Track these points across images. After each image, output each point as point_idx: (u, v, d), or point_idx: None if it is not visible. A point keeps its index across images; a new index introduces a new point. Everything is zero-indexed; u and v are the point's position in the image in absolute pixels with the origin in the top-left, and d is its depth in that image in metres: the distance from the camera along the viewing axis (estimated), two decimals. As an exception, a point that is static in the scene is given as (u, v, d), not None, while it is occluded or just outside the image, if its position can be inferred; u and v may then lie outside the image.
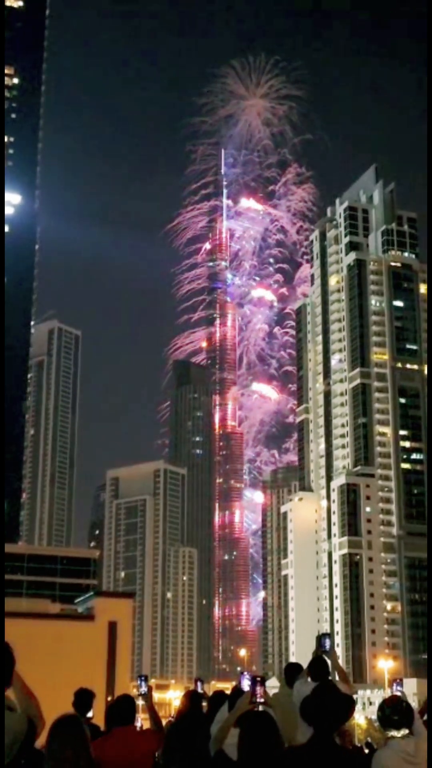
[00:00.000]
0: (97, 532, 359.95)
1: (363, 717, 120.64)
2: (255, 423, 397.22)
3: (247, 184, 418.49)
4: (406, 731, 7.05)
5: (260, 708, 7.03)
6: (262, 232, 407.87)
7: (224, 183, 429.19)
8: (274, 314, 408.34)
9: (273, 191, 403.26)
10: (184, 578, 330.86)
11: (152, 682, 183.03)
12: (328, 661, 9.26)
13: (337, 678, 9.38)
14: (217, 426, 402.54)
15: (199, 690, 10.84)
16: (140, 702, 9.38)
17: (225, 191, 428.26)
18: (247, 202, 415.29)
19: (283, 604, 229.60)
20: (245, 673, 7.83)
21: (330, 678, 9.26)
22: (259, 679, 7.26)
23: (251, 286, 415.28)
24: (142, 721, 9.71)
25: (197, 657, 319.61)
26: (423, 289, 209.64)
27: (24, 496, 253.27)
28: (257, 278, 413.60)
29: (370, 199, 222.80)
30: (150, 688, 9.18)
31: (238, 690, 8.40)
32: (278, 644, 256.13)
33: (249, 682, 7.41)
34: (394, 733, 7.06)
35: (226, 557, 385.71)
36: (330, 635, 9.54)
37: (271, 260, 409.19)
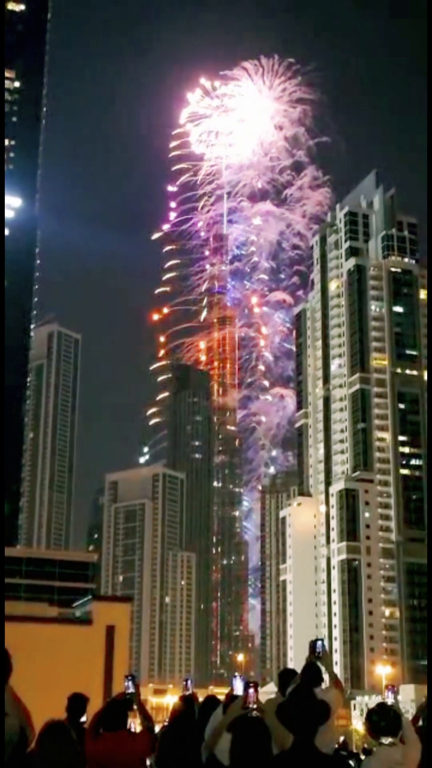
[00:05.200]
0: (95, 535, 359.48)
1: (361, 723, 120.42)
2: (272, 426, 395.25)
3: (259, 187, 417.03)
4: (394, 739, 7.06)
5: (253, 713, 7.03)
6: (275, 235, 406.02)
7: (227, 188, 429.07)
8: (290, 317, 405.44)
9: (286, 195, 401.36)
10: (183, 583, 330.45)
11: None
12: (322, 667, 9.26)
13: (329, 683, 9.38)
14: (216, 430, 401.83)
15: (189, 689, 10.82)
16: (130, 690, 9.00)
17: (230, 194, 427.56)
18: (260, 205, 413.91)
19: (281, 610, 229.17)
20: (237, 675, 7.81)
21: (323, 683, 9.25)
22: (252, 684, 7.26)
23: (264, 289, 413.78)
24: (135, 726, 9.56)
25: (195, 662, 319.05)
26: (423, 294, 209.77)
27: (23, 499, 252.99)
28: (270, 281, 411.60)
29: (370, 204, 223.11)
30: (138, 687, 9.01)
31: (232, 696, 8.40)
32: (276, 649, 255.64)
33: (242, 685, 7.43)
34: (382, 740, 7.08)
35: (225, 562, 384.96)
36: (323, 640, 9.54)
37: (287, 262, 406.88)
